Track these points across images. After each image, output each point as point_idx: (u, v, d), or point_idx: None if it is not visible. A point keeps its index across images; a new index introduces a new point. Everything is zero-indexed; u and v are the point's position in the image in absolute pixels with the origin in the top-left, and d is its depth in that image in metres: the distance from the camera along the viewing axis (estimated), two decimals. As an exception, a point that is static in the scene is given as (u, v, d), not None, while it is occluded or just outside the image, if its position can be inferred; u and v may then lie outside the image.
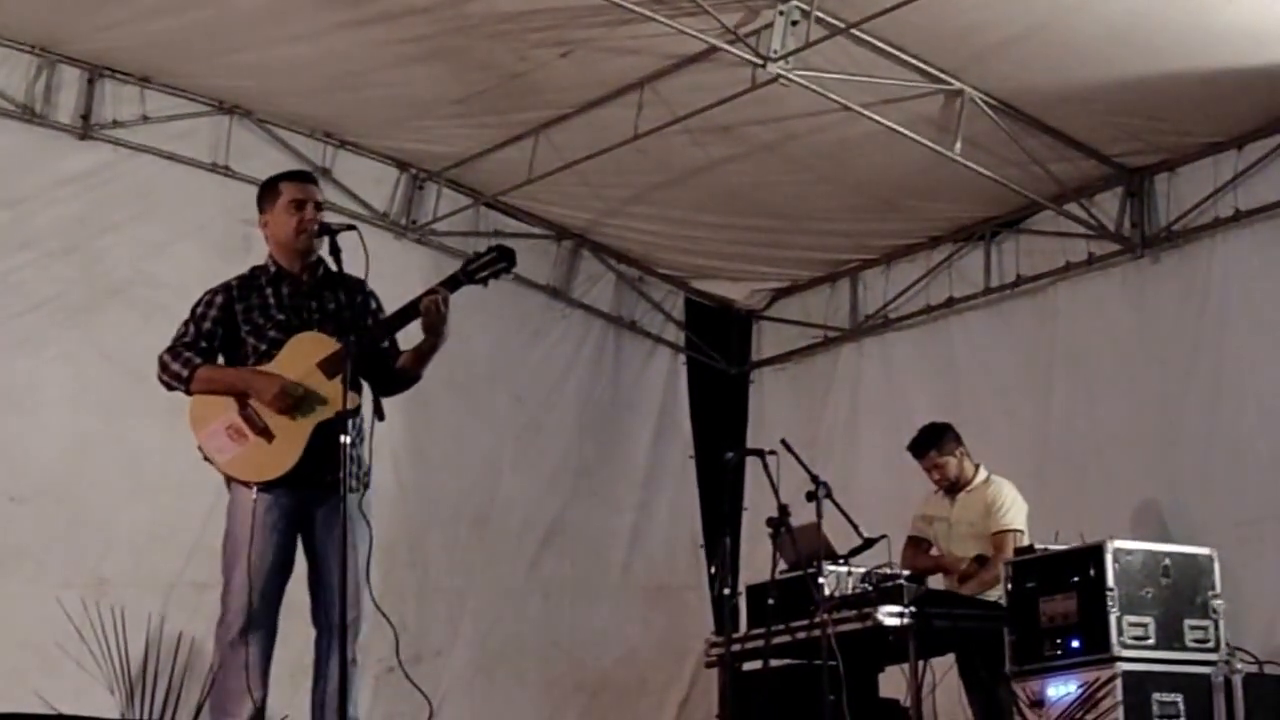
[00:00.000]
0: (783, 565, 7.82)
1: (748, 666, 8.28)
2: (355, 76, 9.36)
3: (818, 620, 7.36)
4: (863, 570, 8.01)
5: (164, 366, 6.01)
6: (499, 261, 5.95)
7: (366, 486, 5.97)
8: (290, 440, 5.82)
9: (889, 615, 7.58)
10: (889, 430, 10.33)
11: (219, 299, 6.08)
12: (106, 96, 9.46)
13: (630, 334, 11.73)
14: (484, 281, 5.98)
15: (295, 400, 5.80)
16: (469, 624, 10.50)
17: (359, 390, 5.69)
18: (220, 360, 6.06)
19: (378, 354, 6.01)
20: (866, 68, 8.66)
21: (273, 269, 6.13)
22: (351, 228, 5.83)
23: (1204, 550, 7.62)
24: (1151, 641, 7.28)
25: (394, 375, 6.09)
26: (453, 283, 5.93)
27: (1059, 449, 9.88)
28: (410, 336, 6.07)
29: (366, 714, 5.98)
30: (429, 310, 5.86)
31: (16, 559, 8.72)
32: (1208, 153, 9.38)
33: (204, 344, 6.02)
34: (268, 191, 6.18)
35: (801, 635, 7.64)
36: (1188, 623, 7.41)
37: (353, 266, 5.81)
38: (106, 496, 9.06)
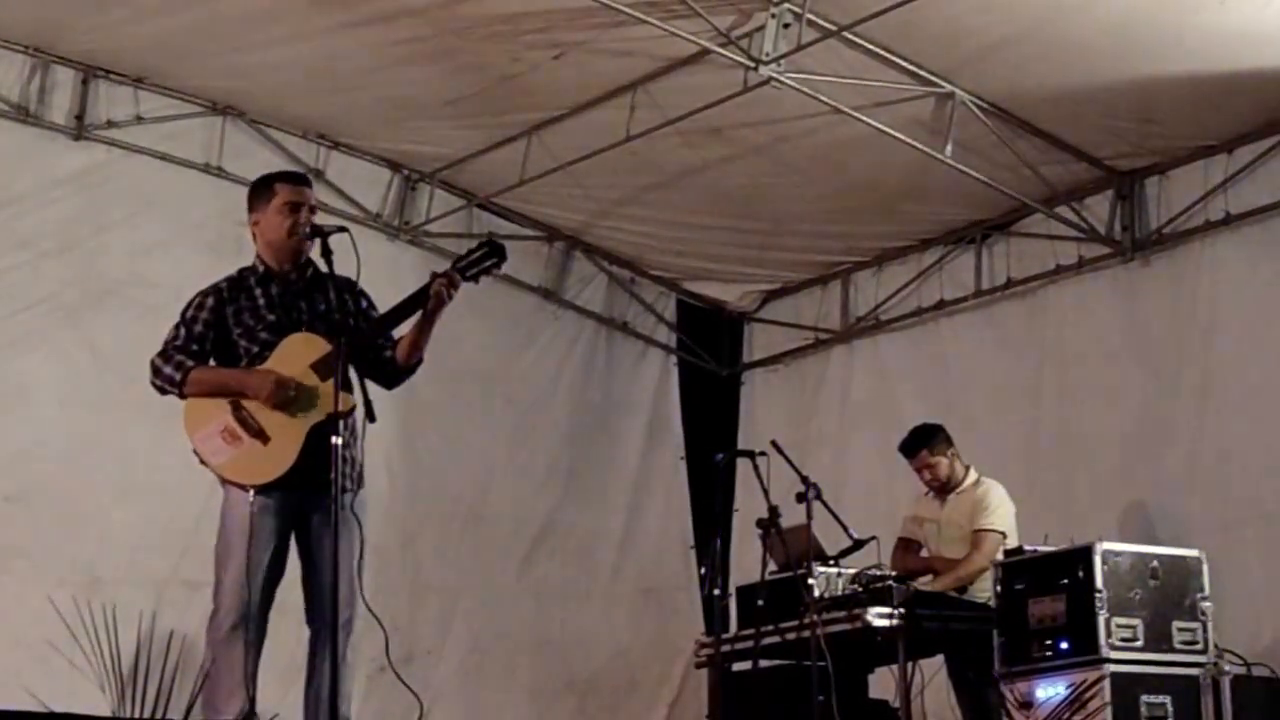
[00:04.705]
0: (772, 566, 7.85)
1: (738, 667, 8.31)
2: (348, 78, 9.38)
3: (807, 621, 7.37)
4: (853, 571, 8.03)
5: (156, 371, 6.00)
6: (490, 256, 5.96)
7: (360, 486, 5.99)
8: (286, 442, 5.82)
9: (878, 616, 7.59)
10: (879, 432, 10.35)
11: (209, 301, 6.07)
12: (101, 97, 9.46)
13: (622, 335, 11.75)
14: (476, 278, 6.00)
15: (290, 397, 5.82)
16: (460, 624, 10.52)
17: (352, 391, 5.69)
18: (212, 363, 6.05)
19: (373, 350, 6.02)
20: (858, 70, 8.69)
21: (261, 269, 6.12)
22: (343, 230, 5.81)
23: (1192, 552, 7.65)
24: (1140, 643, 7.31)
25: (394, 367, 6.11)
26: (455, 273, 5.95)
27: (1048, 451, 9.91)
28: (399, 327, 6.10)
29: (358, 713, 5.97)
30: (439, 294, 5.87)
31: (9, 557, 8.73)
32: (1198, 156, 9.41)
33: (195, 347, 6.01)
34: (261, 191, 6.15)
35: (791, 636, 7.64)
36: (1176, 624, 7.45)
37: (345, 268, 5.81)
38: (99, 495, 9.07)
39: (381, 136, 10.29)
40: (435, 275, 5.93)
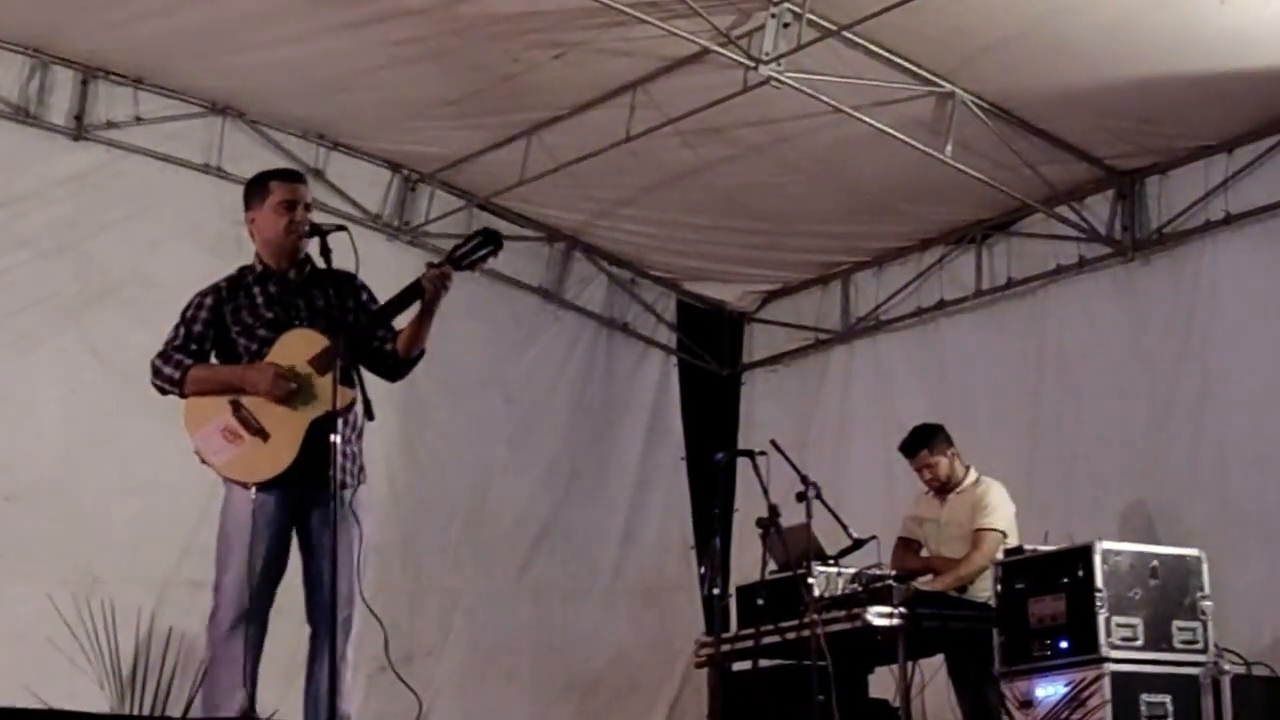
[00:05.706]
0: (772, 566, 7.86)
1: (738, 667, 8.32)
2: (348, 78, 9.38)
3: (807, 621, 7.37)
4: (852, 571, 8.04)
5: (156, 371, 6.01)
6: (485, 245, 5.96)
7: (362, 481, 5.99)
8: (286, 439, 5.81)
9: (878, 616, 7.59)
10: (879, 432, 10.36)
11: (208, 301, 6.08)
12: (100, 97, 9.46)
13: (622, 336, 11.75)
14: (473, 267, 5.99)
15: (292, 389, 5.81)
16: (461, 624, 10.52)
17: (352, 386, 5.68)
18: (213, 360, 6.06)
19: (373, 343, 6.01)
20: (858, 70, 8.68)
21: (259, 268, 6.13)
22: (342, 229, 5.81)
23: (1192, 551, 7.65)
24: (1140, 642, 7.31)
25: (396, 360, 6.10)
26: (451, 264, 5.94)
27: (1048, 450, 9.90)
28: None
29: (358, 712, 5.97)
30: (433, 285, 5.86)
31: (9, 556, 8.71)
32: (1198, 156, 9.41)
33: (194, 347, 6.02)
34: (256, 189, 6.15)
35: (791, 636, 7.64)
36: (1176, 624, 7.45)
37: (343, 267, 5.82)
38: (99, 494, 9.07)
39: (381, 136, 10.28)
40: (430, 266, 5.93)
